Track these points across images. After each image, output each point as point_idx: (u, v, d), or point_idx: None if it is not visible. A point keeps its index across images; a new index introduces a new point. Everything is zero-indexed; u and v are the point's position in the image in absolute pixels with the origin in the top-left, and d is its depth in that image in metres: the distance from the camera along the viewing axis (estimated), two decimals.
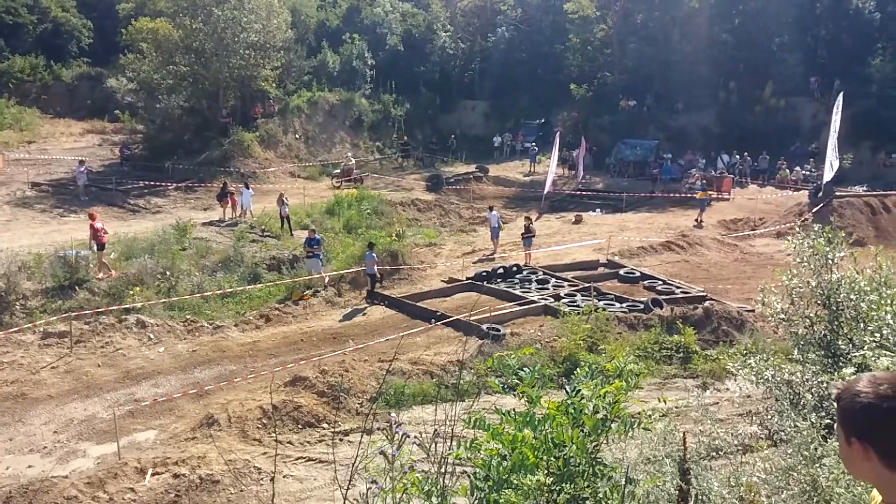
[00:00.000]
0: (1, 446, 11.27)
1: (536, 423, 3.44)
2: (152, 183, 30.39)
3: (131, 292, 17.37)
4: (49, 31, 49.76)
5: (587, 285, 19.31)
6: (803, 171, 33.37)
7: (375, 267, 19.51)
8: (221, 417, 11.43)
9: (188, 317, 17.13)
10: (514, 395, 3.63)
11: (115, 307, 16.62)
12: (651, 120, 40.59)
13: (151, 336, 15.91)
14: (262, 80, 37.56)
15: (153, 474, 9.71)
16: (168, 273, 18.57)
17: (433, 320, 16.75)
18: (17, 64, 45.83)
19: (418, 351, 14.68)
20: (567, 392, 3.60)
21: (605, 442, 3.54)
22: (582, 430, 3.46)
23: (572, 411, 3.49)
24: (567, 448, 3.38)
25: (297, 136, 38.96)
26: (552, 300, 18.35)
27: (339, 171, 34.67)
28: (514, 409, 3.49)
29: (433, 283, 21.12)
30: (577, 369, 3.80)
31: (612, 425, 3.47)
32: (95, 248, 18.44)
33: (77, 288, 17.33)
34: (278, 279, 19.93)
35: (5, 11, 47.30)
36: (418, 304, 18.54)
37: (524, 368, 3.93)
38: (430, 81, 46.63)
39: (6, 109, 40.24)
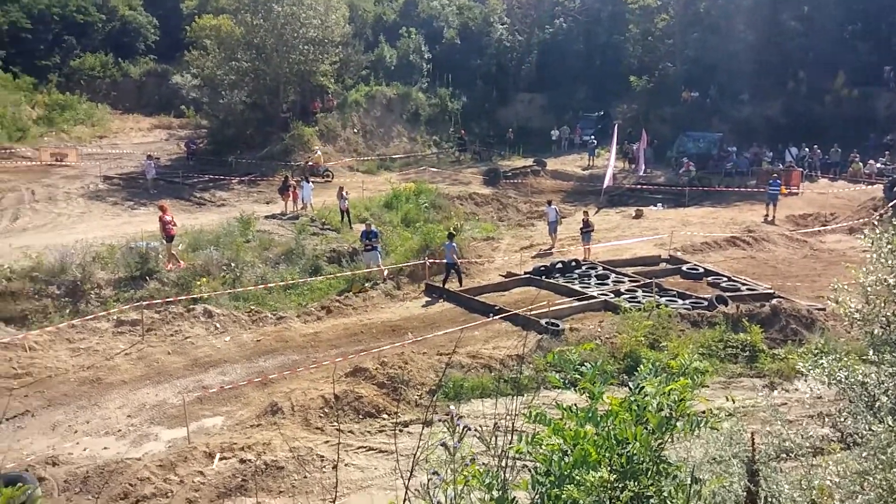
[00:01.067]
0: (79, 428, 11.82)
1: (599, 419, 3.42)
2: (217, 177, 31.28)
3: (198, 283, 17.91)
4: (117, 29, 51.56)
5: (648, 281, 18.99)
6: (878, 164, 31.95)
7: (455, 256, 19.68)
8: (285, 405, 11.72)
9: (252, 307, 17.59)
10: (576, 390, 3.62)
11: (183, 297, 17.18)
12: (714, 111, 39.52)
13: (218, 325, 16.40)
14: (320, 75, 38.08)
15: (221, 459, 10.04)
16: (233, 264, 19.07)
17: (491, 314, 16.76)
18: (88, 61, 47.72)
19: (476, 345, 14.73)
20: (630, 389, 3.57)
21: (669, 440, 3.50)
22: (646, 428, 3.43)
23: (636, 408, 3.46)
24: (630, 445, 3.35)
25: (355, 130, 39.44)
26: (612, 296, 18.13)
27: (301, 164, 33.79)
28: (575, 405, 3.48)
29: (491, 278, 21.13)
30: (640, 366, 3.76)
31: (677, 423, 3.43)
32: (165, 239, 19.06)
33: (148, 278, 17.97)
34: (338, 272, 20.26)
35: (76, 11, 49.20)
36: (476, 297, 18.58)
37: (585, 364, 3.91)
38: (486, 74, 46.50)
39: (79, 105, 41.95)
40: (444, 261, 19.75)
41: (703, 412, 4.54)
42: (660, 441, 3.42)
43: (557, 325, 15.62)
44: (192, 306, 16.96)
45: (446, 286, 19.42)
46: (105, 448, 11.18)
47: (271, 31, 35.30)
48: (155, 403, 12.75)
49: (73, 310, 16.48)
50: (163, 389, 13.35)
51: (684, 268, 20.70)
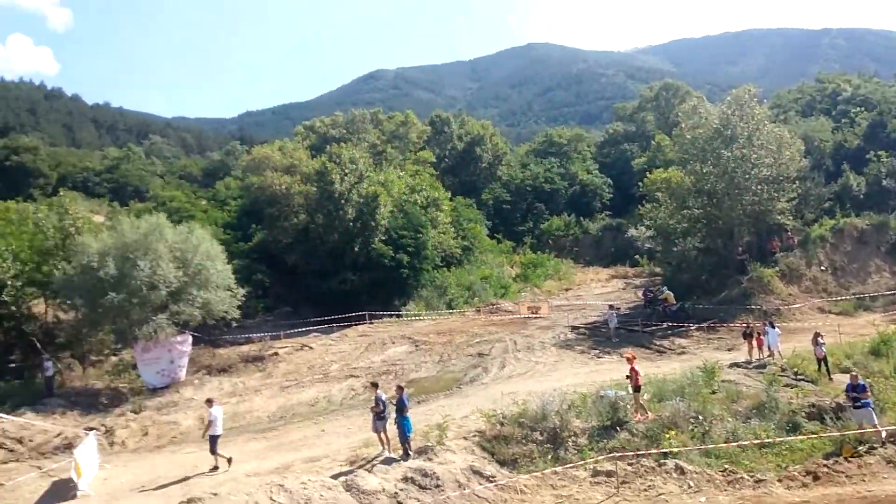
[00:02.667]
0: None
1: None
2: (675, 324, 31.37)
3: (667, 435, 17.66)
4: (577, 192, 58.78)
5: None
6: None
7: None
8: None
9: (726, 465, 16.56)
10: None
11: (653, 450, 17.08)
12: None
13: (691, 484, 15.79)
14: (777, 213, 36.38)
15: None
16: (700, 417, 18.44)
17: None
18: (554, 223, 55.12)
19: None
20: None
21: None
22: None
23: None
24: None
25: (822, 267, 36.06)
26: None
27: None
28: None
29: None
30: None
31: None
32: (631, 389, 19.48)
33: (618, 428, 18.43)
34: (822, 430, 17.94)
35: (545, 181, 57.82)
36: None
37: None
38: None
39: (547, 262, 47.75)
40: None
41: None
42: None
43: None
44: (662, 460, 16.71)
45: None
46: None
47: (721, 176, 35.39)
48: None
49: (553, 456, 17.60)
50: None
51: None
